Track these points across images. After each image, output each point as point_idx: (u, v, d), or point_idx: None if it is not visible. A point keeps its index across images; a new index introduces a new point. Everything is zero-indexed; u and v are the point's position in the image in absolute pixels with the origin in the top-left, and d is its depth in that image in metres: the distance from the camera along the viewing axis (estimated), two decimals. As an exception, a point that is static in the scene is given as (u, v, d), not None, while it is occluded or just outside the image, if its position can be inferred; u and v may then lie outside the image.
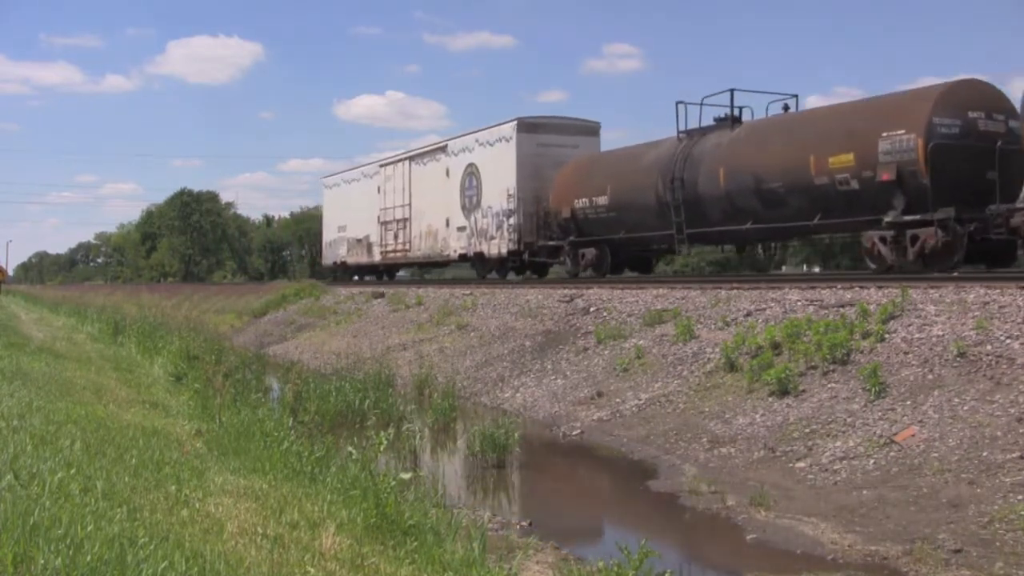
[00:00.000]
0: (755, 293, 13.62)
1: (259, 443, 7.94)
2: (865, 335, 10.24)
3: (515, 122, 24.34)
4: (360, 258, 34.18)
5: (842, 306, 11.46)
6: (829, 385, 9.70)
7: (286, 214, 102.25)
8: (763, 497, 7.49)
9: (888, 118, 14.37)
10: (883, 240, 14.42)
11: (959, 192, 13.45)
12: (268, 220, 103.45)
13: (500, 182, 24.56)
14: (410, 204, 30.01)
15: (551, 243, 23.04)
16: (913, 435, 8.01)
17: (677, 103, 19.22)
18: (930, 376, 8.91)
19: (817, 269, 42.12)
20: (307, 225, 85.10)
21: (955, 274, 12.74)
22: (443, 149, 28.17)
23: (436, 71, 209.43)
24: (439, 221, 27.95)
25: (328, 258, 37.89)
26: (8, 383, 8.87)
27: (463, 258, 27.13)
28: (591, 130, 25.31)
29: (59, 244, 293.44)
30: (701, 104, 19.04)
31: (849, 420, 8.79)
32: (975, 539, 6.23)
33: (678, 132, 19.26)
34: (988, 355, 8.75)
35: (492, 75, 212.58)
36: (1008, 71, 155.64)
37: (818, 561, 6.24)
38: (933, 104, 13.79)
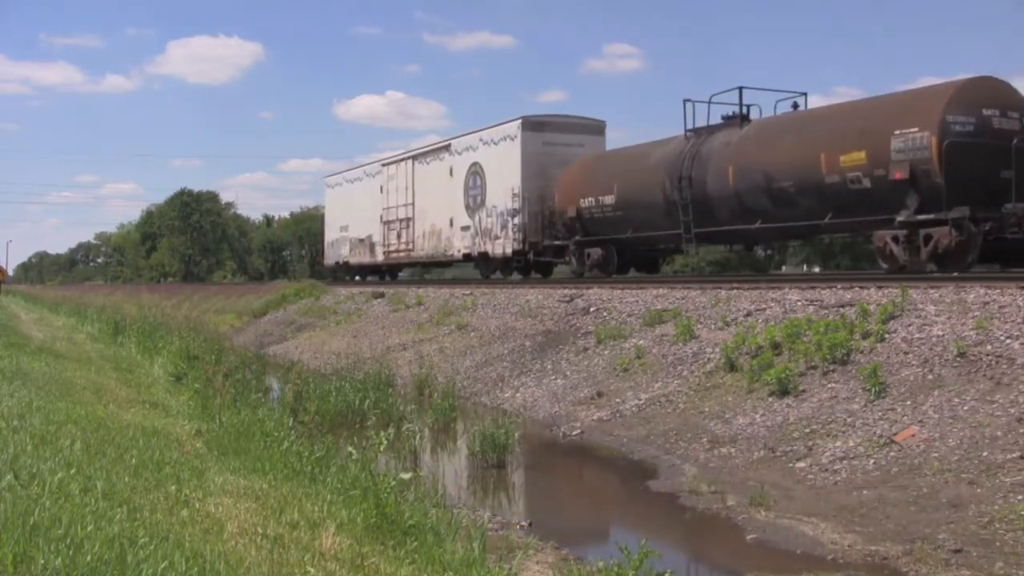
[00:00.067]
0: (755, 293, 13.62)
1: (259, 443, 7.94)
2: (865, 335, 10.24)
3: (520, 121, 24.19)
4: (363, 258, 34.05)
5: (842, 306, 11.46)
6: (829, 385, 9.70)
7: (286, 214, 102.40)
8: (763, 497, 7.49)
9: (901, 116, 14.17)
10: (895, 240, 14.21)
11: (973, 191, 13.28)
12: (268, 220, 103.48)
13: (505, 181, 24.43)
14: (413, 203, 29.86)
15: (556, 243, 22.87)
16: (913, 435, 8.01)
17: (684, 101, 19.11)
18: (930, 376, 8.91)
19: (817, 269, 42.11)
20: (307, 225, 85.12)
21: (955, 274, 12.72)
22: (447, 148, 28.02)
23: (436, 71, 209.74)
24: (443, 221, 27.79)
25: (330, 258, 37.74)
26: (8, 383, 8.87)
27: (467, 258, 26.97)
28: (597, 129, 25.12)
29: (59, 244, 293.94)
30: (709, 102, 18.83)
31: (849, 420, 8.79)
32: (975, 539, 6.23)
33: (685, 130, 19.07)
34: (988, 355, 8.75)
35: (492, 75, 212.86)
36: (1008, 71, 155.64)
37: (818, 561, 6.24)
38: (947, 101, 13.59)
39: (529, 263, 24.86)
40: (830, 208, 15.28)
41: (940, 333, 9.58)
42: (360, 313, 24.14)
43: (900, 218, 13.98)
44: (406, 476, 6.65)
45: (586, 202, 21.30)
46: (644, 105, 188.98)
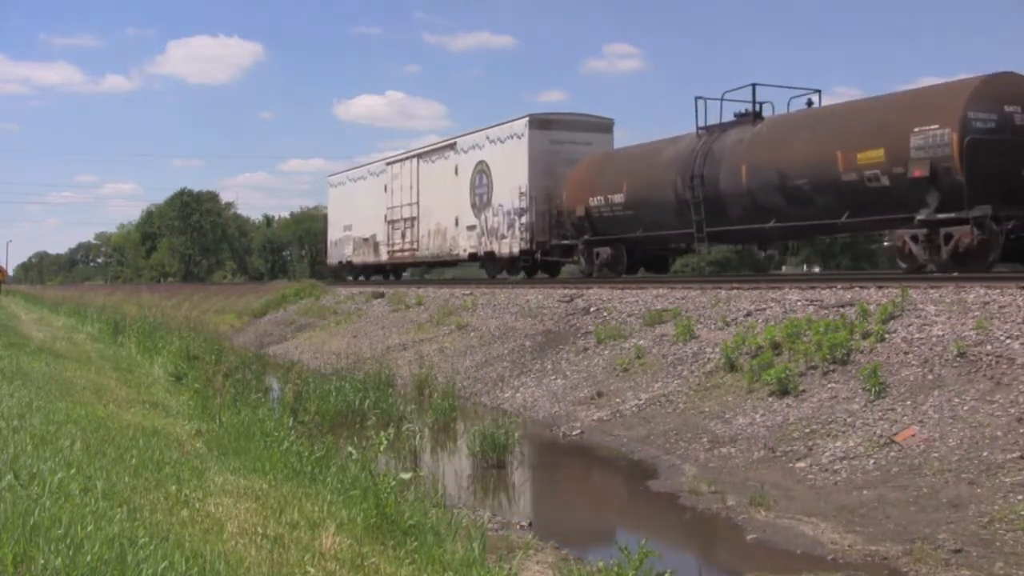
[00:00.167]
0: (755, 293, 13.62)
1: (259, 443, 7.94)
2: (865, 335, 10.24)
3: (527, 118, 23.88)
4: (367, 257, 33.84)
5: (842, 306, 11.46)
6: (829, 385, 9.70)
7: (286, 214, 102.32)
8: (763, 497, 7.49)
9: (920, 112, 13.87)
10: (915, 239, 13.91)
11: (995, 188, 13.00)
12: (268, 220, 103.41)
13: (511, 180, 24.12)
14: (418, 203, 29.58)
15: (565, 242, 22.59)
16: (913, 435, 8.01)
17: (696, 98, 18.69)
18: (930, 376, 8.91)
19: (817, 269, 42.11)
20: (307, 225, 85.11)
21: (955, 274, 12.69)
22: (452, 146, 27.76)
23: (436, 71, 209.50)
24: (448, 220, 27.50)
25: (333, 257, 37.53)
26: (8, 383, 8.86)
27: (473, 257, 26.65)
28: (605, 127, 24.85)
29: (59, 244, 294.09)
30: (721, 100, 18.49)
31: (849, 420, 8.79)
32: (975, 539, 6.23)
33: (697, 128, 18.72)
34: (988, 355, 8.75)
35: (492, 75, 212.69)
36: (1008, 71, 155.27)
37: (818, 561, 6.24)
38: (968, 98, 13.29)
39: (536, 263, 24.56)
40: (847, 207, 14.97)
41: (940, 333, 9.59)
42: (360, 313, 24.14)
43: (920, 217, 13.66)
44: (406, 476, 6.65)
45: (595, 201, 20.99)
46: (644, 105, 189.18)
